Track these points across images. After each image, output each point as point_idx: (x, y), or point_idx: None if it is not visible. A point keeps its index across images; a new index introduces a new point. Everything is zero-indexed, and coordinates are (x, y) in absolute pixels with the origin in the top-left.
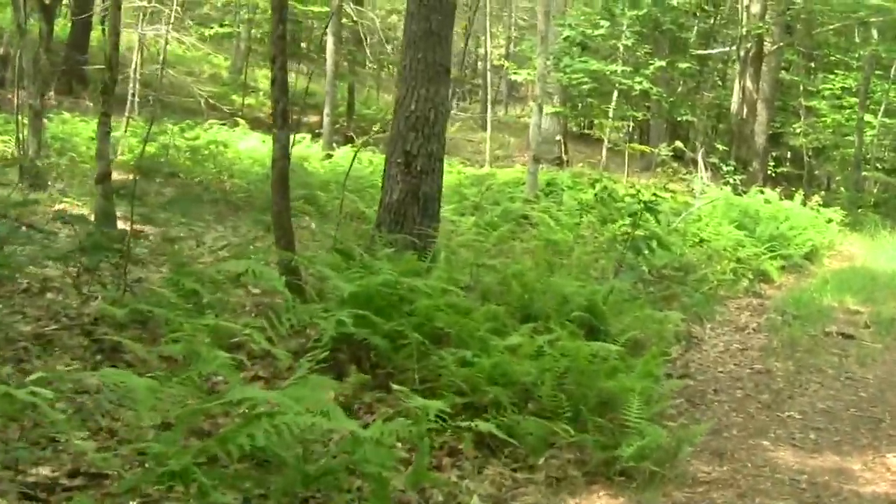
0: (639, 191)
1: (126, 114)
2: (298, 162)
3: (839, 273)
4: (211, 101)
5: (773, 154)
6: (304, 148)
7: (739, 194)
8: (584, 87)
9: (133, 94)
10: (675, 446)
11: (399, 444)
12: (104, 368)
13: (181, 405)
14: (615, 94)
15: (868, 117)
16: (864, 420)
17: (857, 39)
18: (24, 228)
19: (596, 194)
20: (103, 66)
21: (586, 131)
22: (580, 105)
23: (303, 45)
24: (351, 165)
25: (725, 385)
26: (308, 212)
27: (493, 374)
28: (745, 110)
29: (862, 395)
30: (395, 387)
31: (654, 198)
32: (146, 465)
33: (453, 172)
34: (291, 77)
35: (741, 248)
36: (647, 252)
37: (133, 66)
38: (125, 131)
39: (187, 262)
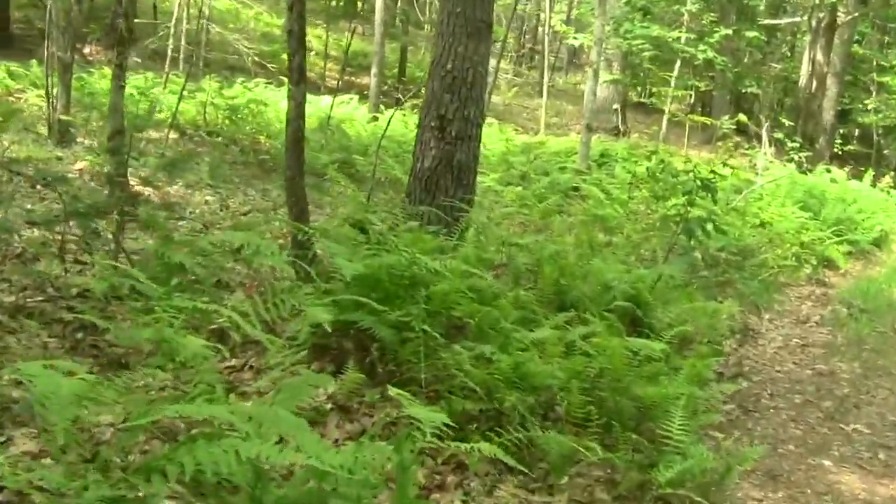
0: (696, 166)
1: (167, 70)
2: (340, 124)
3: None
4: (257, 59)
5: (841, 131)
6: (352, 110)
7: (804, 172)
8: (645, 54)
9: (178, 51)
10: (722, 470)
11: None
12: (32, 363)
13: (123, 411)
14: (677, 62)
15: None
16: None
17: None
18: (37, 186)
19: (648, 168)
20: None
21: (646, 101)
22: (640, 73)
23: (358, 2)
24: (387, 128)
25: (783, 388)
26: (340, 178)
27: (514, 376)
28: (814, 84)
29: None
30: (392, 391)
31: (712, 175)
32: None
33: (502, 139)
34: (341, 36)
35: (805, 231)
36: (701, 235)
37: (174, 19)
38: (164, 88)
39: (176, 231)
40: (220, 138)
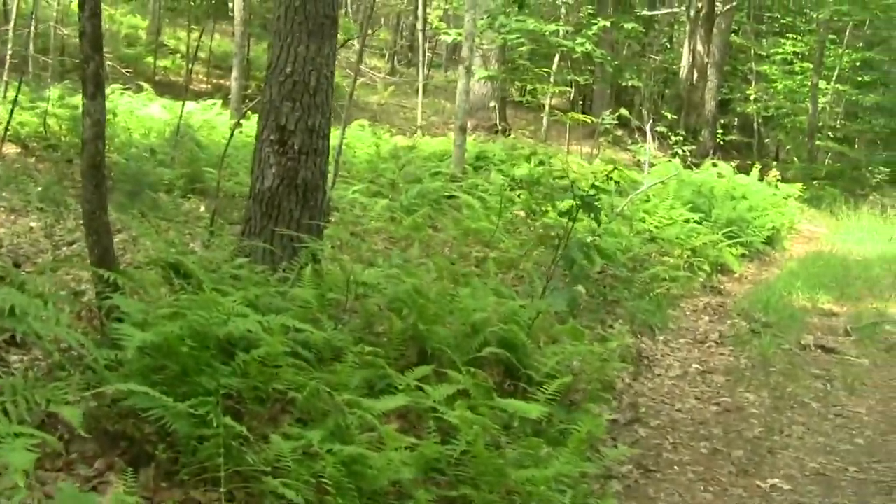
0: (574, 182)
1: (4, 78)
2: (196, 132)
3: (805, 262)
4: (112, 64)
5: (722, 121)
6: (213, 116)
7: (689, 167)
8: (522, 48)
9: (18, 56)
10: None
11: None
12: None
13: None
14: (556, 57)
15: (820, 84)
16: (869, 487)
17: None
18: None
19: (522, 178)
20: None
21: (524, 98)
22: (517, 69)
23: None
24: (231, 137)
25: (686, 434)
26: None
27: (347, 475)
28: (695, 75)
29: (860, 443)
30: None
31: (593, 189)
32: None
33: (373, 143)
34: (205, 39)
35: (696, 235)
36: (583, 262)
37: (12, 22)
38: (2, 97)
39: None
40: (59, 153)
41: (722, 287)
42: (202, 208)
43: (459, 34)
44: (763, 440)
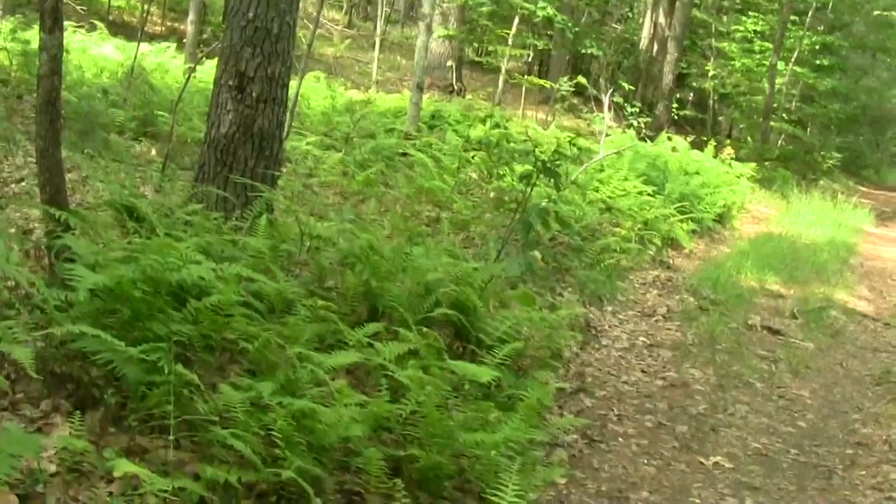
0: (536, 146)
1: None
2: (152, 74)
3: (756, 242)
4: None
5: (678, 96)
6: (167, 59)
7: (644, 139)
8: (483, 9)
9: None
10: None
11: None
12: None
13: None
14: (516, 19)
15: (779, 65)
16: (810, 470)
17: None
18: None
19: (477, 141)
20: None
21: (484, 59)
22: (477, 29)
23: None
24: (188, 80)
25: (632, 406)
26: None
27: (297, 432)
28: (655, 47)
29: (802, 426)
30: (120, 465)
31: (555, 155)
32: None
33: (328, 96)
34: None
35: (648, 208)
36: (540, 228)
37: None
38: None
39: None
40: (9, 88)
41: (671, 262)
42: (153, 152)
43: None
44: (707, 417)
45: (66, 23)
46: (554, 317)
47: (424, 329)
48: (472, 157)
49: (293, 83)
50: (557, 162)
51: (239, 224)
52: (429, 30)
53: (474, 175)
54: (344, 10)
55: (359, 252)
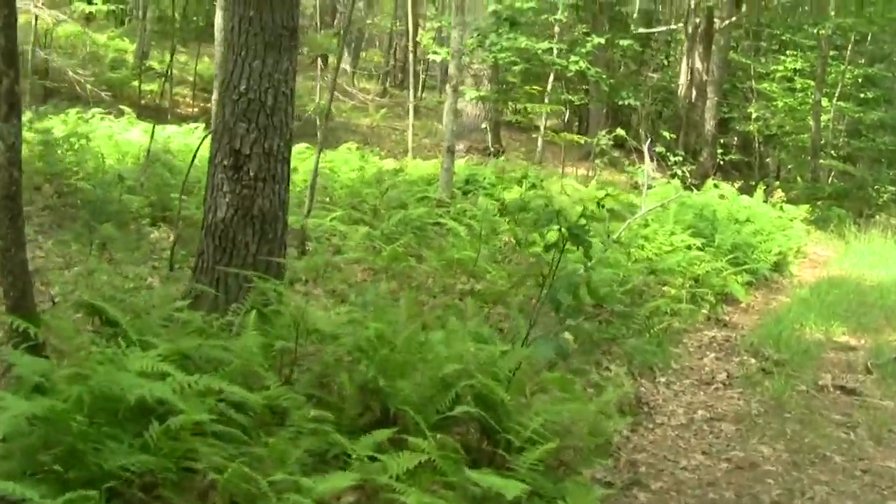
0: (558, 211)
1: None
2: (177, 156)
3: (817, 289)
4: (92, 87)
5: (721, 141)
6: (196, 140)
7: (689, 188)
8: (515, 67)
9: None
10: None
11: None
12: None
13: None
14: (551, 76)
15: (822, 101)
16: None
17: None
18: None
19: (508, 204)
20: None
21: (518, 118)
22: (510, 89)
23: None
24: (192, 161)
25: (693, 499)
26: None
27: None
28: (694, 93)
29: None
30: None
31: (583, 219)
32: None
33: (358, 167)
34: (191, 61)
35: (698, 262)
36: (571, 301)
37: None
38: None
39: None
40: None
41: (728, 319)
42: (171, 237)
43: (448, 53)
44: None
45: (94, 109)
46: (598, 401)
47: (440, 435)
48: (506, 223)
49: (311, 156)
50: (586, 227)
51: (233, 320)
52: (455, 91)
53: (510, 240)
54: (377, 80)
55: (366, 345)
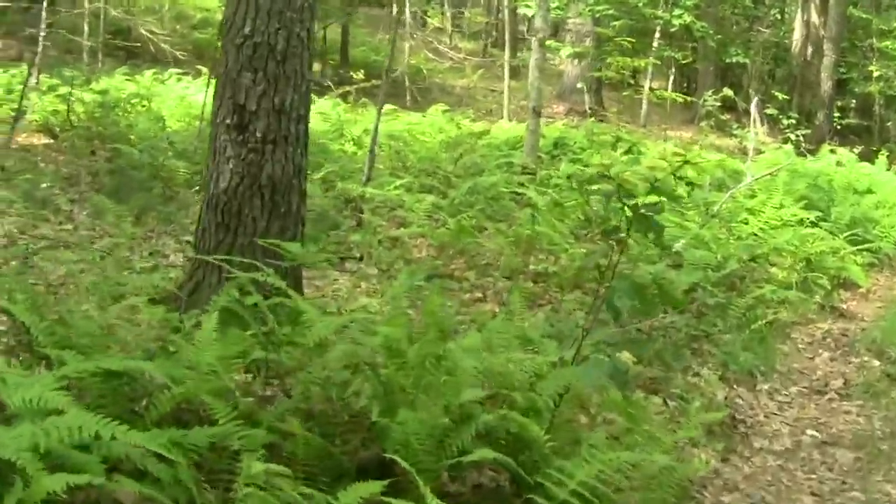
0: (619, 185)
1: (37, 62)
2: None
3: None
4: (167, 47)
5: (839, 103)
6: None
7: (803, 154)
8: (616, 23)
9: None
10: None
11: None
12: None
13: None
14: (656, 33)
15: None
16: None
17: None
18: None
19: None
20: None
21: (622, 77)
22: (609, 46)
23: None
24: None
25: None
26: None
27: None
28: (809, 50)
29: None
30: None
31: (657, 195)
32: None
33: (444, 130)
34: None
35: (812, 241)
36: (630, 306)
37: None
38: (36, 82)
39: None
40: (76, 142)
41: (845, 307)
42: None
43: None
44: None
45: (172, 69)
46: (665, 459)
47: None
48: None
49: (370, 115)
50: (657, 205)
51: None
52: (542, 46)
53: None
54: (479, 39)
55: (368, 359)
